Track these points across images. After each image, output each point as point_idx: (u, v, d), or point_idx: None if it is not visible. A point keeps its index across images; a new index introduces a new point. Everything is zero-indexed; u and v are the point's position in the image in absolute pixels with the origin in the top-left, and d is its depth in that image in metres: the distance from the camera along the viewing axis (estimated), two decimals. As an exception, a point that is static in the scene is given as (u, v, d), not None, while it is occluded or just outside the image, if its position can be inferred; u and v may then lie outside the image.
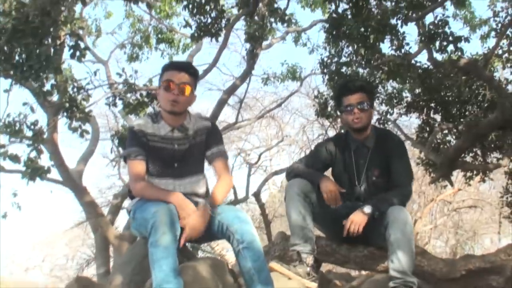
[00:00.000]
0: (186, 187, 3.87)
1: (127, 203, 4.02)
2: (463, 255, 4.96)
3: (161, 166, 3.84)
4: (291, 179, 4.59)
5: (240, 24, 11.79)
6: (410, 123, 15.28)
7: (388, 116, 11.09)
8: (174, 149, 3.87)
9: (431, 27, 7.97)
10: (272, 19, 10.16)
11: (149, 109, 8.78)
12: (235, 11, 11.06)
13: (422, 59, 8.79)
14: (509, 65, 9.73)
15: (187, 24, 9.50)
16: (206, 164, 4.10)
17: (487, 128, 7.76)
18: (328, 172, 4.90)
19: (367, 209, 4.21)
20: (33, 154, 7.86)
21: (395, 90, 10.68)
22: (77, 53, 7.20)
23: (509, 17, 8.82)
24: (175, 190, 3.76)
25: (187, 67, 3.91)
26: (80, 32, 9.05)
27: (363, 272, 6.74)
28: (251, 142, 23.61)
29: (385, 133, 4.88)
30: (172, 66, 3.92)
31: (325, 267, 8.41)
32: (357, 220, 4.20)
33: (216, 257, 5.17)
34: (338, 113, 4.91)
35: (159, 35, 14.82)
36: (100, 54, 17.05)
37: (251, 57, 11.34)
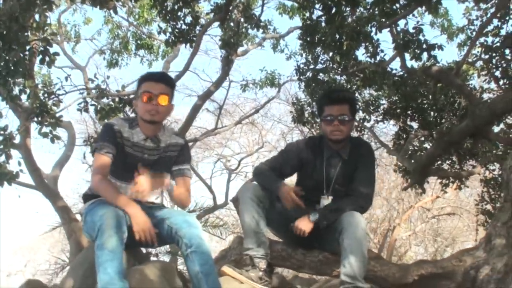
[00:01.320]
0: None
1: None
2: (417, 260, 4.96)
3: (126, 170, 3.85)
4: (256, 178, 4.60)
5: (219, 31, 11.81)
6: (388, 130, 15.34)
7: (365, 123, 11.11)
8: (143, 157, 3.93)
9: (405, 34, 7.97)
10: (248, 26, 10.13)
11: (121, 115, 8.77)
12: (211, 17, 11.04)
13: (397, 66, 8.77)
14: (483, 73, 9.77)
15: (162, 30, 9.47)
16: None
17: (459, 135, 7.75)
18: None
19: (313, 217, 4.22)
20: (2, 159, 7.78)
21: (372, 97, 10.69)
22: (47, 59, 7.13)
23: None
24: (131, 197, 3.76)
25: (164, 78, 3.99)
26: (51, 38, 8.96)
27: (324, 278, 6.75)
28: (232, 148, 23.69)
29: (358, 142, 4.76)
30: (149, 77, 3.96)
31: (292, 273, 8.40)
32: (301, 227, 4.22)
33: (165, 261, 5.14)
34: (318, 120, 4.85)
35: (138, 41, 14.80)
36: (80, 60, 17.03)
37: (226, 63, 11.35)
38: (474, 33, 9.42)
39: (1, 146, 7.88)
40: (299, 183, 4.72)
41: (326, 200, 4.48)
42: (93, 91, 9.18)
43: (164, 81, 3.92)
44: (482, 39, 8.92)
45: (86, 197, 3.90)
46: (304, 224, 4.20)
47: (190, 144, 17.60)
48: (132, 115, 8.47)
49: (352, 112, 4.52)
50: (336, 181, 4.51)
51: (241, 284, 4.02)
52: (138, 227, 3.47)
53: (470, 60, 9.59)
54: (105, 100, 8.95)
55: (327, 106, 4.46)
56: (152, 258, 11.17)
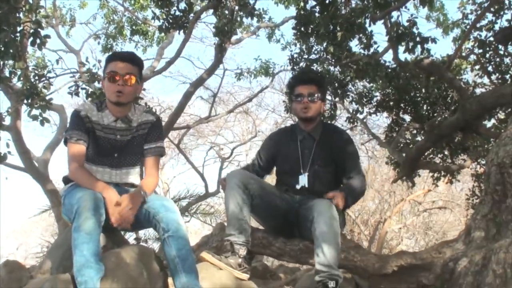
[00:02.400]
0: (122, 177, 3.91)
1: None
2: (397, 251, 4.97)
3: (101, 154, 3.85)
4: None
5: (214, 19, 11.79)
6: (381, 123, 15.34)
7: (358, 115, 11.11)
8: (116, 139, 3.89)
9: (399, 27, 7.96)
10: (242, 14, 10.08)
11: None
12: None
13: (391, 58, 8.77)
14: (476, 67, 9.77)
15: (156, 16, 9.43)
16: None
17: (449, 129, 7.79)
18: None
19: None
20: (-10, 140, 7.77)
21: (365, 89, 10.68)
22: (37, 41, 7.09)
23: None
24: (111, 179, 3.83)
25: (131, 58, 3.89)
26: (44, 20, 8.91)
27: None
28: (225, 137, 23.70)
29: (333, 127, 5.04)
30: (115, 57, 3.89)
31: (277, 262, 8.41)
32: (340, 198, 4.31)
33: (144, 245, 5.13)
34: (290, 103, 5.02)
35: (133, 27, 14.74)
36: (74, 44, 16.96)
37: (220, 51, 11.32)
38: (468, 27, 9.41)
39: (-10, 127, 7.87)
40: (277, 169, 4.87)
41: (304, 178, 4.58)
42: (85, 74, 9.11)
43: (130, 61, 3.83)
44: (476, 34, 8.93)
45: (66, 179, 3.88)
46: (342, 200, 4.32)
47: (182, 132, 17.63)
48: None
49: (322, 93, 4.73)
50: (314, 161, 4.63)
51: (220, 270, 4.02)
52: (114, 211, 3.47)
53: (464, 54, 9.59)
54: (96, 84, 8.89)
55: (297, 86, 4.68)
56: (142, 244, 11.23)
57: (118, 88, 3.73)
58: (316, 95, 4.60)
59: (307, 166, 4.61)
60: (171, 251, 3.40)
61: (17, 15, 7.03)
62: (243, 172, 4.54)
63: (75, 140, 3.74)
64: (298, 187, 4.57)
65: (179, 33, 9.84)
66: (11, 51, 6.87)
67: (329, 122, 9.34)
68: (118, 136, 3.88)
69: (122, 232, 4.29)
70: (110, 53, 3.97)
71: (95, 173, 3.78)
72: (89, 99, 8.29)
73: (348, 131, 15.36)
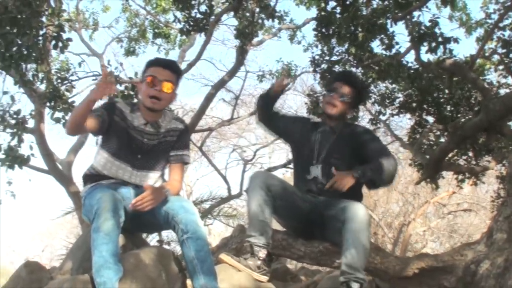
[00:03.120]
0: (142, 179, 3.91)
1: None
2: (418, 254, 4.93)
3: (125, 152, 3.86)
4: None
5: (235, 21, 11.80)
6: (404, 124, 15.26)
7: (381, 116, 11.06)
8: (143, 142, 3.91)
9: (420, 27, 7.90)
10: (263, 16, 10.09)
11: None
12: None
13: (413, 59, 8.71)
14: (500, 67, 9.67)
15: (176, 19, 9.47)
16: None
17: (472, 130, 7.71)
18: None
19: (356, 173, 4.21)
20: (14, 143, 7.86)
21: (387, 90, 10.62)
22: (60, 44, 7.17)
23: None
24: (130, 179, 3.85)
25: (172, 65, 3.94)
26: (67, 24, 8.99)
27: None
28: (247, 139, 23.70)
29: (356, 126, 4.93)
30: (157, 63, 3.92)
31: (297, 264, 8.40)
32: (344, 179, 4.19)
33: (162, 247, 5.15)
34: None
35: (156, 30, 14.82)
36: (97, 47, 17.09)
37: (240, 53, 11.33)
38: (491, 27, 9.32)
39: (14, 130, 7.96)
40: (293, 155, 4.90)
41: (316, 169, 4.52)
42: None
43: (170, 69, 3.88)
44: (499, 33, 8.84)
45: (86, 177, 3.90)
46: (348, 178, 4.19)
47: (205, 134, 17.66)
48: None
49: (355, 100, 4.63)
50: (330, 153, 4.55)
51: (238, 271, 4.01)
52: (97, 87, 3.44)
53: (487, 54, 9.51)
54: (118, 86, 8.95)
55: (336, 82, 4.62)
56: (165, 246, 11.26)
57: (154, 93, 3.77)
58: (347, 97, 4.54)
59: (321, 157, 4.54)
60: (189, 252, 3.40)
61: (40, 19, 7.11)
62: (265, 173, 4.56)
63: (95, 115, 3.69)
64: (309, 177, 4.52)
65: (200, 36, 9.90)
66: (34, 54, 6.95)
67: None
68: (145, 140, 3.91)
69: (142, 234, 4.32)
70: (152, 58, 3.98)
71: (117, 168, 3.82)
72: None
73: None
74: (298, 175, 4.66)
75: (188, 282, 3.59)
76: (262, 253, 4.18)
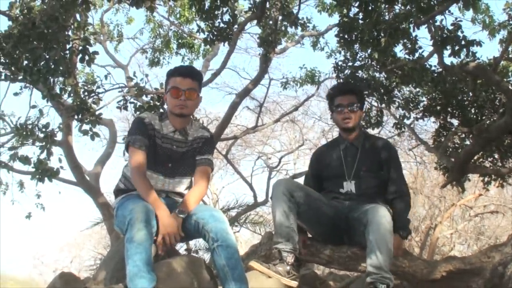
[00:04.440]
0: (175, 186, 4.10)
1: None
2: (446, 257, 4.96)
3: (157, 162, 4.03)
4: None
5: (258, 29, 11.85)
6: (429, 127, 15.19)
7: (405, 120, 11.03)
8: (172, 149, 4.08)
9: (443, 31, 7.90)
10: (286, 23, 10.13)
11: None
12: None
13: (436, 63, 8.71)
14: (525, 69, 9.62)
15: (200, 29, 9.55)
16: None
17: (497, 132, 7.68)
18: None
19: (403, 234, 4.52)
20: (43, 156, 7.97)
21: (411, 94, 10.60)
22: (86, 58, 7.27)
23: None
24: (163, 187, 4.03)
25: (191, 73, 4.14)
26: (93, 37, 9.12)
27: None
28: (272, 146, 23.73)
29: (375, 137, 5.18)
30: (176, 72, 4.12)
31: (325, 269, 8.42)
32: (398, 248, 4.50)
33: (194, 255, 5.24)
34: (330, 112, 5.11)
35: (180, 40, 14.91)
36: (122, 59, 17.23)
37: (264, 61, 11.36)
38: (514, 27, 9.30)
39: (43, 143, 8.08)
40: (323, 177, 4.96)
41: (350, 184, 4.68)
42: (133, 89, 9.28)
43: (190, 76, 4.07)
44: (522, 35, 8.79)
45: (118, 191, 4.02)
46: (400, 246, 4.56)
47: (230, 142, 17.70)
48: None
49: (360, 102, 4.90)
50: (359, 168, 4.72)
51: (269, 278, 4.07)
52: (165, 230, 3.59)
53: (511, 56, 9.45)
54: (144, 98, 9.06)
55: (337, 97, 4.85)
56: (193, 254, 11.34)
57: (180, 103, 3.97)
58: (355, 104, 4.75)
59: (352, 173, 4.70)
60: (220, 260, 3.49)
61: (66, 33, 7.22)
62: (288, 180, 4.70)
63: (138, 146, 3.92)
64: (342, 191, 4.67)
65: (223, 45, 9.94)
66: (61, 68, 7.07)
67: (375, 131, 9.32)
68: (174, 147, 4.08)
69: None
70: (172, 68, 4.13)
71: (150, 179, 3.93)
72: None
73: (396, 137, 15.39)
74: (329, 191, 4.79)
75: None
76: (291, 259, 4.28)
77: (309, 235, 4.88)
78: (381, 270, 4.01)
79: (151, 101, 8.69)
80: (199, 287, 3.51)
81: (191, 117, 4.33)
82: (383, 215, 4.18)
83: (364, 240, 4.23)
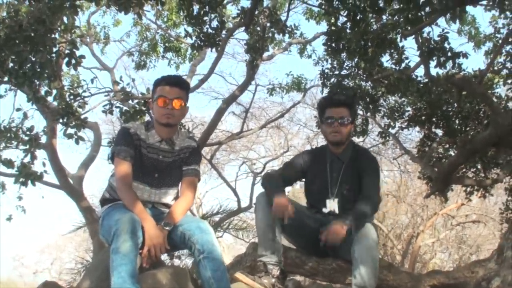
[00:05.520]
0: (161, 197, 4.06)
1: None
2: (430, 270, 4.97)
3: (143, 172, 3.99)
4: (262, 184, 4.72)
5: (245, 35, 11.84)
6: (413, 137, 15.25)
7: (390, 129, 11.07)
8: (158, 159, 4.05)
9: (430, 42, 7.94)
10: (274, 30, 10.13)
11: (146, 118, 8.87)
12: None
13: (422, 73, 8.75)
14: (509, 81, 9.68)
15: (188, 34, 9.53)
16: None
17: (481, 144, 7.72)
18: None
19: (349, 221, 4.23)
20: (27, 159, 7.93)
21: (397, 104, 10.64)
22: (73, 61, 7.23)
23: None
24: (150, 198, 3.99)
25: (178, 82, 4.11)
26: (79, 39, 9.08)
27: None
28: (257, 152, 23.72)
29: (362, 151, 4.93)
30: (164, 81, 4.07)
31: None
32: (336, 231, 4.21)
33: (178, 266, 5.20)
34: (320, 123, 5.02)
35: (166, 44, 14.90)
36: (108, 61, 17.16)
37: (251, 68, 11.36)
38: (500, 41, 9.35)
39: (27, 147, 8.03)
40: (306, 189, 4.90)
41: (333, 203, 4.58)
42: (119, 93, 9.26)
43: (178, 85, 4.05)
44: (508, 48, 8.86)
45: (104, 201, 3.99)
46: (340, 229, 4.21)
47: (214, 147, 17.68)
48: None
49: (352, 116, 4.72)
50: (342, 185, 4.62)
51: (254, 290, 4.07)
52: (150, 242, 3.56)
53: (496, 68, 9.52)
54: (130, 102, 9.04)
55: (328, 109, 4.66)
56: (175, 260, 11.29)
57: (167, 112, 3.94)
58: (346, 118, 4.60)
59: (335, 190, 4.61)
60: (206, 272, 3.48)
61: (53, 36, 7.18)
62: None
63: (123, 157, 3.89)
64: (325, 211, 4.58)
65: (211, 51, 9.93)
66: (47, 71, 7.02)
67: (359, 140, 9.31)
68: (160, 157, 4.05)
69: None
70: (159, 77, 4.11)
71: (136, 190, 3.91)
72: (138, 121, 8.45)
73: (380, 145, 15.44)
74: (312, 206, 4.71)
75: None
76: (276, 271, 4.26)
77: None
78: None
79: (137, 106, 8.66)
80: (184, 298, 3.50)
81: (178, 125, 4.28)
82: (368, 233, 4.16)
83: (349, 256, 4.22)
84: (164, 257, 9.29)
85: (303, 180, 4.96)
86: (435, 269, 4.92)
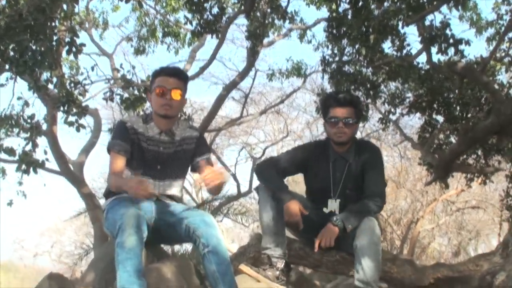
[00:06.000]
0: (165, 189, 4.02)
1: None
2: (434, 263, 4.96)
3: (145, 165, 3.96)
4: (259, 178, 4.63)
5: (245, 20, 11.77)
6: (414, 123, 15.22)
7: (390, 116, 11.04)
8: (159, 151, 4.01)
9: (432, 29, 7.90)
10: (274, 16, 10.09)
11: (147, 105, 8.85)
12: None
13: (424, 60, 8.71)
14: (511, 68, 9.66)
15: (188, 21, 9.47)
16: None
17: (483, 132, 7.71)
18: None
19: (338, 222, 4.20)
20: (28, 148, 7.91)
21: (397, 90, 10.61)
22: (73, 49, 7.20)
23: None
24: (153, 190, 3.87)
25: (177, 73, 4.07)
26: (79, 26, 9.02)
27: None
28: (257, 137, 23.69)
29: (365, 145, 4.76)
30: (163, 72, 4.05)
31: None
32: (328, 234, 4.20)
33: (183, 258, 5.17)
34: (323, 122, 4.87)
35: (165, 29, 14.81)
36: (107, 47, 17.05)
37: (252, 54, 11.32)
38: (503, 28, 9.31)
39: (28, 134, 8.01)
40: (307, 185, 4.80)
41: (334, 204, 4.50)
42: (119, 81, 9.23)
43: (177, 76, 4.01)
44: (511, 34, 8.82)
45: (108, 194, 3.97)
46: (331, 232, 4.20)
47: (214, 133, 17.67)
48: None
49: (357, 116, 4.55)
50: (345, 185, 4.52)
51: (258, 282, 4.06)
52: (133, 190, 3.51)
53: (498, 55, 9.48)
54: (130, 89, 9.00)
55: (332, 108, 4.49)
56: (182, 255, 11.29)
57: (165, 102, 3.90)
58: (351, 118, 4.45)
59: (337, 190, 4.52)
60: (211, 266, 3.48)
61: (53, 24, 7.14)
62: None
63: (117, 151, 3.87)
64: (326, 211, 4.50)
65: (211, 37, 9.86)
66: (48, 60, 6.98)
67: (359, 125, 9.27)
68: (161, 148, 4.01)
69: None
70: (158, 68, 4.08)
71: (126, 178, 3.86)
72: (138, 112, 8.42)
73: (380, 131, 15.42)
74: (313, 204, 4.57)
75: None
76: (280, 264, 4.24)
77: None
78: (368, 285, 3.97)
79: (138, 93, 8.64)
80: (189, 292, 3.49)
81: (177, 116, 4.22)
82: (372, 227, 4.13)
83: (350, 249, 4.20)
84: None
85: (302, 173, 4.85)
86: (439, 262, 4.91)
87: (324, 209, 4.52)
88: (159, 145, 4.00)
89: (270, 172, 4.56)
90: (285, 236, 4.39)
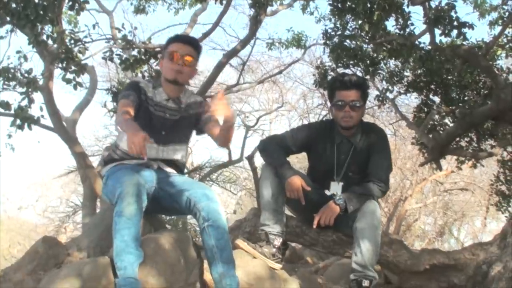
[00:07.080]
0: (169, 153, 4.01)
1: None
2: (430, 249, 4.98)
3: (150, 130, 3.85)
4: (262, 154, 4.59)
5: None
6: (410, 102, 15.21)
7: (388, 94, 11.03)
8: (165, 117, 4.01)
9: (437, 10, 7.86)
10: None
11: (145, 67, 8.79)
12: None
13: (426, 40, 8.67)
14: (512, 54, 9.64)
15: (192, -16, 9.40)
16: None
17: (481, 118, 7.72)
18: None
19: (340, 201, 4.20)
20: (24, 103, 7.85)
21: (396, 68, 10.58)
22: (76, 6, 7.12)
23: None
24: (157, 155, 3.93)
25: (192, 42, 4.09)
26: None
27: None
28: (251, 105, 23.61)
29: (370, 128, 4.72)
30: (178, 39, 4.06)
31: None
32: (328, 212, 4.20)
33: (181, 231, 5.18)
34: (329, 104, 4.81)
35: (167, -13, 14.65)
36: (107, 4, 16.85)
37: (254, 23, 11.20)
38: (507, 13, 9.27)
39: (25, 89, 7.95)
40: (310, 166, 4.81)
41: (336, 186, 4.50)
42: (119, 41, 9.15)
43: (192, 45, 4.01)
44: (515, 21, 8.77)
45: (106, 160, 3.95)
46: (332, 210, 4.20)
47: (209, 99, 17.58)
48: (157, 67, 8.48)
49: (363, 98, 4.54)
50: (349, 168, 4.52)
51: (254, 258, 4.07)
52: (131, 140, 3.33)
53: (500, 40, 9.44)
54: (130, 50, 8.94)
55: (338, 91, 4.48)
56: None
57: (177, 67, 3.90)
58: (358, 101, 4.43)
59: (341, 173, 4.51)
60: (209, 240, 3.48)
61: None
62: None
63: (127, 96, 3.82)
64: (328, 193, 4.48)
65: (215, 3, 9.74)
66: (50, 15, 6.92)
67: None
68: (167, 115, 4.01)
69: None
70: (173, 35, 4.05)
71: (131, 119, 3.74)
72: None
73: (375, 108, 15.39)
74: (315, 185, 4.52)
75: (205, 265, 3.67)
76: (277, 241, 4.25)
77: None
78: (365, 268, 4.00)
79: (137, 55, 8.58)
80: (186, 264, 3.49)
81: (185, 85, 4.20)
82: (373, 210, 4.14)
83: (349, 231, 4.22)
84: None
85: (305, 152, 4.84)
86: (436, 248, 4.94)
87: (326, 191, 4.51)
88: (165, 112, 4.00)
89: (273, 149, 4.54)
90: (284, 214, 4.39)
